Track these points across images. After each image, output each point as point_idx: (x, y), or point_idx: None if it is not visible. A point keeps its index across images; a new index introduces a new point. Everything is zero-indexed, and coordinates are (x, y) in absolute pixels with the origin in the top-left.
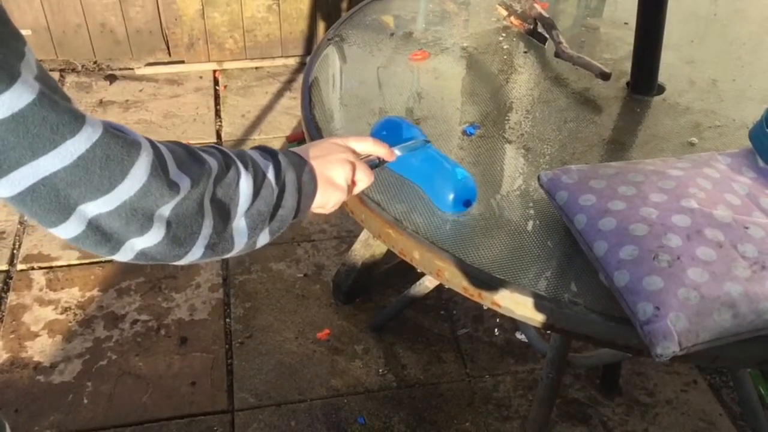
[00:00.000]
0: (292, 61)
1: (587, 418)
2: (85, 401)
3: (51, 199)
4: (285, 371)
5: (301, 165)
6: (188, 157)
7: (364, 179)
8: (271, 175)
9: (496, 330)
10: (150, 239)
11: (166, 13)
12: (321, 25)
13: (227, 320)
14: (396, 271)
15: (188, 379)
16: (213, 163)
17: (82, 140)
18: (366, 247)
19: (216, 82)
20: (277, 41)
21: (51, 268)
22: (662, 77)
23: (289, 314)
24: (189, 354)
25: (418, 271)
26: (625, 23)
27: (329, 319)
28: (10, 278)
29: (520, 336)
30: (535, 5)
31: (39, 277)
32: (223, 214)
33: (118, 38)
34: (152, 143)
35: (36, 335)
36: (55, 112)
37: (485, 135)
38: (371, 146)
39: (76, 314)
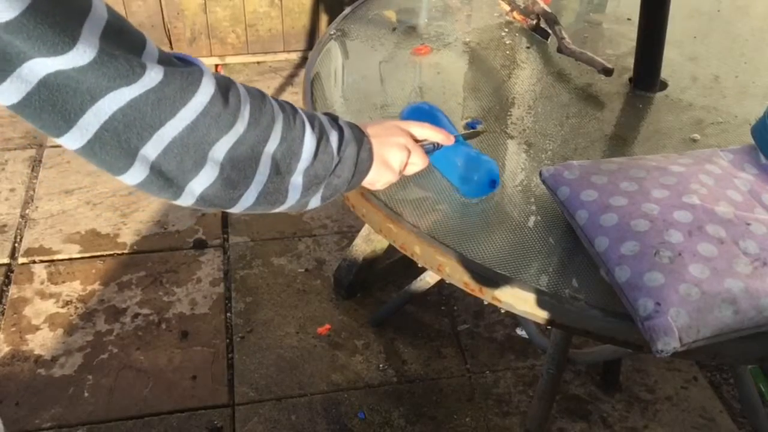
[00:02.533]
0: (294, 56)
1: (587, 414)
2: (86, 394)
3: (114, 144)
4: (285, 366)
5: (362, 141)
6: (256, 101)
7: (418, 163)
8: (334, 143)
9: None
10: (205, 179)
11: (168, 8)
12: (323, 20)
13: (228, 314)
14: (397, 267)
15: (189, 373)
16: (280, 114)
17: (136, 88)
18: (367, 243)
19: None
20: (279, 36)
21: (52, 261)
22: (665, 73)
23: (289, 309)
24: (190, 348)
25: (419, 266)
26: (628, 19)
27: (330, 314)
28: (12, 271)
29: (520, 332)
30: (538, 1)
31: (40, 271)
32: (283, 165)
33: None
34: (220, 81)
35: (37, 328)
36: (114, 67)
37: (487, 130)
38: (430, 132)
39: (77, 308)
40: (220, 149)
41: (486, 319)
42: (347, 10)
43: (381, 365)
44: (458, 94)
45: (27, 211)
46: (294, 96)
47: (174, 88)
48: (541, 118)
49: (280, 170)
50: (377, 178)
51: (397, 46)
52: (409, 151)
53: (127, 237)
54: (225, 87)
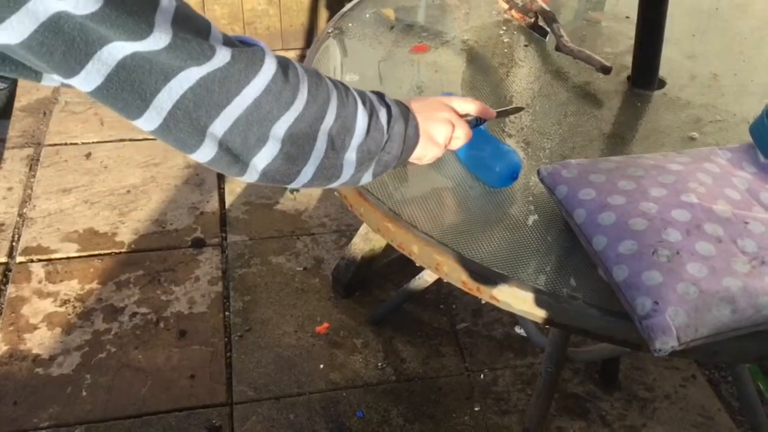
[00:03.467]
0: (293, 54)
1: (586, 413)
2: (84, 393)
3: (186, 122)
4: (284, 365)
5: (408, 118)
6: (313, 79)
7: (462, 137)
8: (383, 120)
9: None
10: (268, 155)
11: None
12: (322, 18)
13: (226, 313)
14: (395, 265)
15: (187, 372)
16: (334, 91)
17: (205, 67)
18: (365, 241)
19: None
20: (277, 34)
21: (50, 260)
22: (663, 71)
23: (288, 308)
24: (188, 347)
25: (417, 265)
26: (627, 17)
27: (328, 313)
28: (9, 270)
29: (519, 330)
30: None
31: (38, 270)
32: (338, 141)
33: None
34: (280, 60)
35: (35, 327)
36: (186, 50)
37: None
38: (472, 106)
39: (75, 307)
40: (281, 126)
41: (485, 317)
42: (346, 7)
43: (380, 364)
44: (456, 92)
45: (25, 210)
46: None
47: (239, 67)
48: (539, 117)
49: (335, 146)
50: (424, 153)
51: (395, 44)
52: (453, 126)
53: (125, 236)
54: (285, 66)
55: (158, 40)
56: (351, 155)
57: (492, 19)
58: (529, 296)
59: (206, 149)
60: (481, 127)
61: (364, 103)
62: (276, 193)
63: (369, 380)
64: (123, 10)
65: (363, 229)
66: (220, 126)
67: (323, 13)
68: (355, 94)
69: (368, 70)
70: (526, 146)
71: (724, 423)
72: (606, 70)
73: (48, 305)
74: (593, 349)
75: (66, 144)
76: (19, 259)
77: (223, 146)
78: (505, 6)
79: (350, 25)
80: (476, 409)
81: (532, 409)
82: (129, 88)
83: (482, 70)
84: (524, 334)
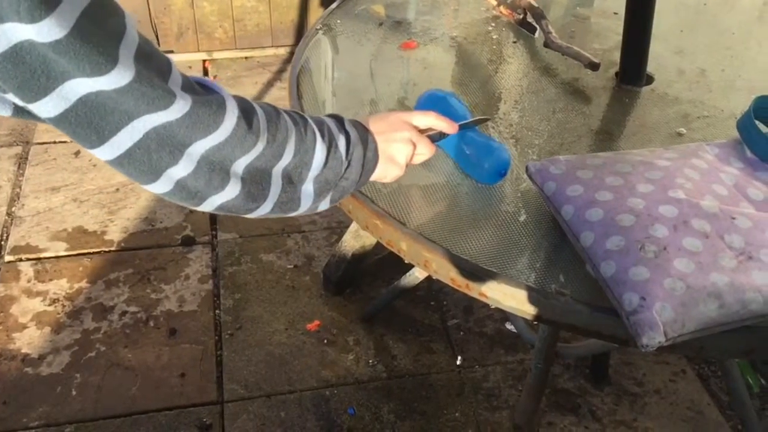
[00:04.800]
0: (283, 51)
1: (576, 408)
2: (74, 393)
3: (144, 161)
4: (275, 362)
5: (367, 142)
6: (272, 117)
7: (425, 153)
8: (342, 148)
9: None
10: (228, 194)
11: (155, 3)
12: (311, 15)
13: (217, 311)
14: (386, 262)
15: (177, 371)
16: (293, 129)
17: (172, 113)
18: (356, 238)
19: (205, 72)
20: (267, 31)
21: (39, 259)
22: (651, 67)
23: (279, 305)
24: (178, 345)
25: (407, 262)
26: (615, 13)
27: (319, 311)
28: None
29: (509, 327)
30: None
31: (27, 269)
32: (295, 175)
33: None
34: (240, 104)
35: (24, 327)
36: (152, 88)
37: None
38: (434, 120)
39: (64, 306)
40: (241, 165)
41: (475, 314)
42: (334, 4)
43: (370, 361)
44: (445, 89)
45: (13, 209)
46: (281, 92)
47: (202, 116)
48: (527, 113)
49: (293, 180)
50: (384, 174)
51: (384, 41)
52: (415, 144)
53: (115, 234)
54: (247, 111)
55: (121, 76)
56: (308, 187)
57: (481, 15)
58: (518, 293)
59: (159, 186)
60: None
61: (322, 135)
62: None
63: (360, 377)
64: (88, 41)
65: (353, 226)
66: (182, 168)
67: (313, 10)
68: (314, 126)
69: (357, 66)
70: (514, 143)
71: (713, 417)
72: (594, 67)
73: (37, 304)
74: (583, 344)
75: (55, 142)
76: (7, 258)
77: (180, 185)
78: (494, 2)
79: (339, 21)
80: (467, 405)
81: (523, 405)
82: (86, 125)
83: (471, 67)
84: (515, 331)
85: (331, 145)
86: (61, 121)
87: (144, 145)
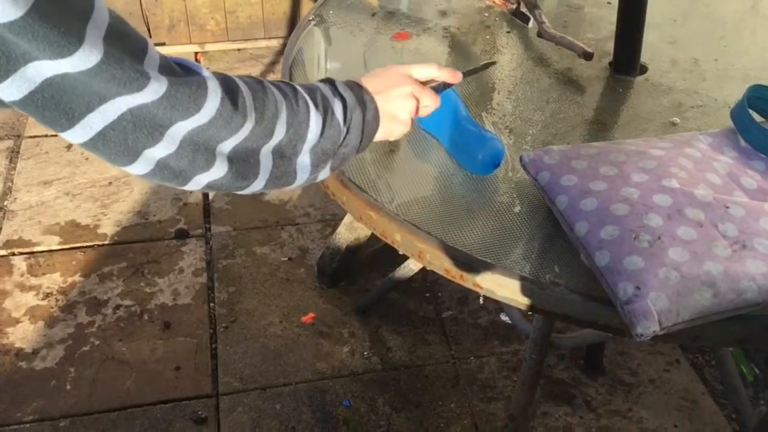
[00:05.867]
0: (275, 43)
1: (571, 398)
2: (68, 387)
3: (120, 143)
4: (270, 355)
5: (365, 103)
6: (259, 94)
7: (430, 105)
8: (339, 114)
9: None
10: (215, 173)
11: None
12: (304, 6)
13: (211, 305)
14: (381, 254)
15: (172, 364)
16: (283, 103)
17: (147, 94)
18: (350, 230)
19: None
20: (259, 22)
21: (32, 253)
22: (645, 57)
23: (273, 298)
24: (173, 339)
25: (401, 253)
26: (608, 2)
27: (314, 303)
28: None
29: (504, 318)
30: None
31: (20, 263)
32: (289, 149)
33: None
34: (223, 83)
35: (17, 321)
36: (122, 70)
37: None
38: (435, 71)
39: (57, 300)
40: (228, 146)
41: (470, 305)
42: None
43: (366, 353)
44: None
45: (5, 203)
46: None
47: (180, 98)
48: (521, 103)
49: (285, 155)
50: (389, 133)
51: (376, 31)
52: (417, 98)
53: (108, 228)
54: (231, 91)
55: (87, 57)
56: (304, 159)
57: (473, 5)
58: (512, 283)
59: (138, 167)
60: (464, 113)
61: (316, 105)
62: None
63: (355, 369)
64: (48, 21)
65: (348, 218)
66: (162, 150)
67: (305, 1)
68: (306, 96)
69: (350, 57)
70: (508, 133)
71: (707, 406)
72: (588, 56)
73: (30, 298)
74: (578, 335)
75: (46, 135)
76: (0, 252)
77: (161, 165)
78: None
79: (332, 12)
80: (462, 396)
81: (518, 396)
82: (54, 107)
83: (464, 57)
84: (509, 321)
85: (326, 114)
86: (26, 104)
87: (119, 127)
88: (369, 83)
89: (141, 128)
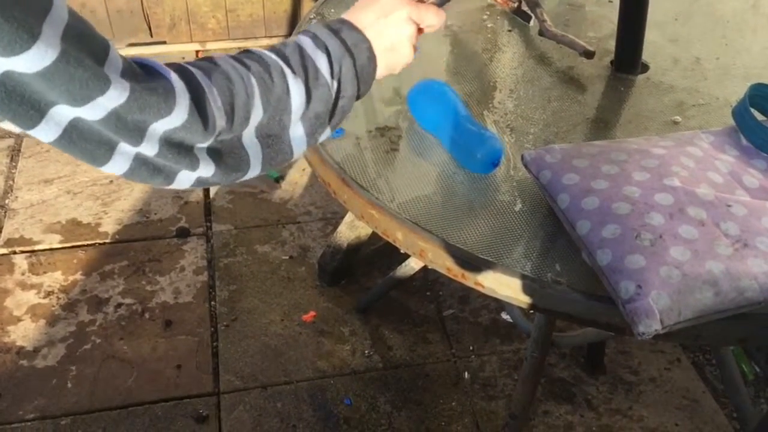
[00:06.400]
0: (276, 41)
1: (572, 397)
2: (69, 385)
3: (93, 141)
4: (271, 354)
5: (357, 45)
6: (224, 87)
7: (434, 22)
8: (324, 70)
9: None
10: (203, 171)
11: None
12: (305, 4)
13: (212, 303)
14: (381, 253)
15: (173, 362)
16: (252, 81)
17: (112, 98)
18: (351, 229)
19: None
20: (260, 21)
21: (33, 251)
22: (646, 55)
23: (274, 297)
24: (174, 337)
25: (402, 252)
26: (610, 1)
27: (315, 301)
28: None
29: (505, 316)
30: None
31: (21, 261)
32: (274, 127)
33: (99, 18)
34: (189, 83)
35: (18, 319)
36: (83, 70)
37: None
38: None
39: (59, 298)
40: (202, 147)
41: (471, 303)
42: None
43: (366, 351)
44: (439, 78)
45: (6, 201)
46: None
47: (145, 104)
48: (522, 102)
49: (273, 132)
50: (392, 67)
51: None
52: (416, 21)
53: (109, 226)
54: (195, 90)
55: (43, 55)
56: (297, 130)
57: (475, 4)
58: (514, 282)
59: (117, 165)
60: (464, 112)
61: (293, 70)
62: (261, 182)
63: (356, 368)
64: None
65: (349, 216)
66: (140, 150)
67: (306, 0)
68: (280, 63)
69: None
70: (510, 131)
71: (708, 405)
72: (589, 55)
73: (32, 297)
74: (578, 333)
75: None
76: (1, 250)
77: (140, 160)
78: None
79: (333, 10)
80: (463, 394)
81: (519, 394)
82: (17, 104)
83: (466, 56)
84: (510, 320)
85: (308, 76)
86: None
87: (83, 128)
88: (358, 16)
89: (120, 129)
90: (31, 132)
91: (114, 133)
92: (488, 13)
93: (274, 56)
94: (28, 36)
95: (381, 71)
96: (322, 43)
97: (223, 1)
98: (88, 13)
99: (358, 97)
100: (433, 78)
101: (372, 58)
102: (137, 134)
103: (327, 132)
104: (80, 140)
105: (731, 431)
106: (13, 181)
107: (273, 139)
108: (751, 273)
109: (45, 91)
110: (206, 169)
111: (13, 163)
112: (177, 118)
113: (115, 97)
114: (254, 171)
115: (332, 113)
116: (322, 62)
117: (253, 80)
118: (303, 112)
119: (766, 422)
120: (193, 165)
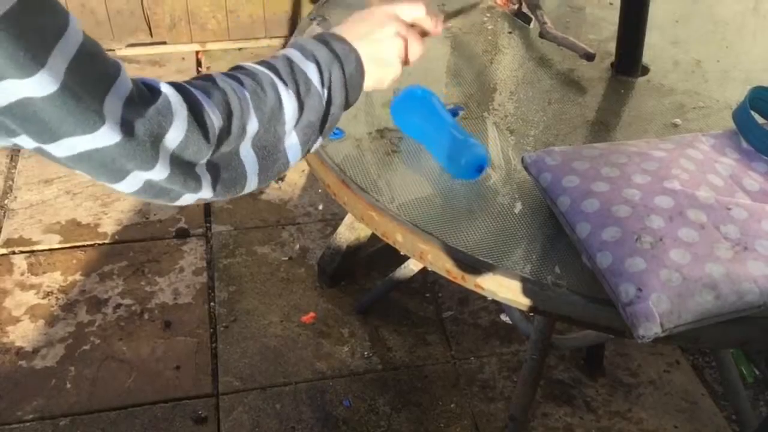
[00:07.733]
0: (276, 43)
1: (571, 399)
2: (68, 386)
3: (103, 166)
4: (270, 355)
5: (346, 55)
6: (221, 103)
7: (416, 51)
8: (315, 79)
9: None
10: (204, 194)
11: None
12: (305, 5)
13: (211, 304)
14: (381, 254)
15: (172, 363)
16: (246, 96)
17: (107, 137)
18: (351, 230)
19: (198, 63)
20: (260, 22)
21: (32, 252)
22: (646, 58)
23: (273, 298)
24: (173, 338)
25: (402, 254)
26: (610, 3)
27: (314, 303)
28: None
29: (504, 318)
30: None
31: (20, 262)
32: (270, 139)
33: (99, 19)
34: (185, 96)
35: (18, 320)
36: (78, 107)
37: (469, 116)
38: (422, 12)
39: (58, 299)
40: (203, 162)
41: (471, 305)
42: None
43: (366, 353)
44: (440, 79)
45: (6, 202)
46: None
47: (138, 150)
48: (523, 104)
49: (268, 144)
50: (380, 80)
51: None
52: (405, 39)
53: (108, 227)
54: (192, 103)
55: (47, 82)
56: (291, 140)
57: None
58: (514, 284)
59: (125, 185)
60: (449, 119)
61: (284, 81)
62: None
63: (355, 369)
64: (20, 36)
65: (348, 218)
66: (146, 175)
67: (306, 1)
68: (271, 75)
69: None
70: (510, 134)
71: (707, 407)
72: (590, 57)
73: (31, 297)
74: (578, 336)
75: None
76: (0, 251)
77: (148, 185)
78: None
79: (332, 11)
80: (462, 396)
81: (518, 396)
82: (31, 123)
83: (466, 58)
84: (510, 322)
85: (298, 87)
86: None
87: (87, 158)
88: (349, 29)
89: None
90: (47, 147)
91: (125, 160)
92: (488, 14)
93: (264, 69)
94: (35, 63)
95: (369, 84)
96: (311, 53)
97: (223, 1)
98: (88, 13)
99: (347, 106)
100: (425, 85)
101: (360, 67)
102: (145, 162)
103: (319, 141)
104: (90, 165)
105: None
106: (13, 181)
107: (269, 150)
108: (751, 276)
109: (49, 118)
110: (207, 191)
111: (13, 164)
112: (178, 130)
113: (110, 137)
114: (251, 185)
115: (323, 121)
116: (311, 71)
117: (247, 93)
118: (296, 122)
119: (765, 425)
120: (197, 187)
